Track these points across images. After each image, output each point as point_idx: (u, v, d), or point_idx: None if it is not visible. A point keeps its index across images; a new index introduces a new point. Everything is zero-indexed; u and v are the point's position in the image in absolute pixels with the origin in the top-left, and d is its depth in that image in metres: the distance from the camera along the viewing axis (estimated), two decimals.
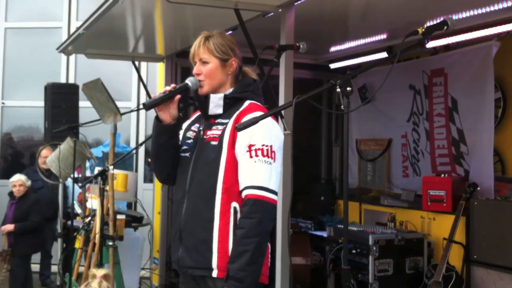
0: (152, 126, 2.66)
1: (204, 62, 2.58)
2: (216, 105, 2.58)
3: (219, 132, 2.53)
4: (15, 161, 9.18)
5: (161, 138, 2.62)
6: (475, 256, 4.70)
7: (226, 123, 2.53)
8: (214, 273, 2.46)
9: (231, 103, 2.58)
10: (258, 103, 2.60)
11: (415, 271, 5.04)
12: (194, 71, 2.61)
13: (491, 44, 4.97)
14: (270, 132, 2.50)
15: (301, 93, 2.28)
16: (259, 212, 2.40)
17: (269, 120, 2.49)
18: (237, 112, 2.54)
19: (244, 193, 2.45)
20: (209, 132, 2.57)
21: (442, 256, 4.78)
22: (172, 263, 2.68)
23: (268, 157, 2.44)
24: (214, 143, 2.52)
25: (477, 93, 5.14)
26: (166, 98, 2.53)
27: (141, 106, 6.26)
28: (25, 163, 8.96)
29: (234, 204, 2.47)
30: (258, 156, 2.44)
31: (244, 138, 2.46)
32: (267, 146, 2.45)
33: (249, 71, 2.72)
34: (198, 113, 2.75)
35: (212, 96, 2.58)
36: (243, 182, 2.46)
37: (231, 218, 2.47)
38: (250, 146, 2.45)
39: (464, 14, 4.59)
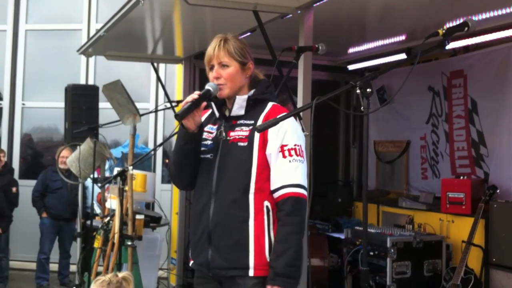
0: (178, 136, 2.66)
1: (224, 66, 2.59)
2: (239, 106, 2.61)
3: (245, 133, 2.56)
4: (34, 161, 9.29)
5: (189, 146, 2.63)
6: (494, 259, 4.66)
7: (252, 124, 2.56)
8: (251, 272, 2.50)
9: (253, 105, 2.61)
10: (280, 105, 2.65)
11: (433, 274, 5.01)
12: (214, 74, 2.60)
13: (511, 46, 4.93)
14: (299, 132, 2.59)
15: (319, 94, 2.28)
16: (302, 210, 2.48)
17: (294, 120, 2.57)
18: (264, 114, 2.58)
19: (283, 191, 2.49)
20: (232, 133, 2.59)
21: (460, 259, 4.75)
22: (196, 264, 2.68)
23: (301, 156, 2.53)
24: (242, 144, 2.55)
25: (497, 95, 5.11)
26: (194, 107, 2.53)
27: (160, 107, 6.31)
28: (44, 163, 9.05)
29: (266, 203, 2.53)
30: (292, 156, 2.51)
31: (276, 139, 2.52)
32: (298, 145, 2.54)
33: (257, 72, 2.74)
34: (206, 114, 2.76)
35: (237, 97, 2.61)
36: (279, 181, 2.51)
37: (265, 217, 2.52)
38: (282, 146, 2.51)
39: (484, 16, 4.56)
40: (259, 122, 2.55)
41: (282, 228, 2.47)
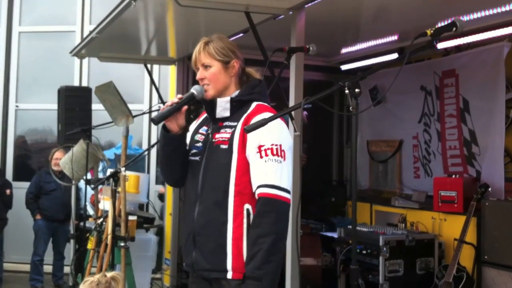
0: (159, 136, 2.68)
1: (207, 67, 2.61)
2: (223, 108, 2.60)
3: (228, 136, 2.55)
4: (28, 163, 9.27)
5: (169, 148, 2.66)
6: (486, 257, 4.68)
7: (235, 126, 2.56)
8: (229, 275, 2.49)
9: (238, 106, 2.60)
10: (265, 104, 2.63)
11: (426, 272, 5.03)
12: (198, 76, 2.63)
13: (503, 45, 4.97)
14: (279, 132, 2.53)
15: (312, 95, 2.30)
16: (272, 211, 2.43)
17: (278, 120, 2.50)
18: (245, 115, 2.56)
19: (257, 192, 2.47)
20: (217, 135, 2.59)
21: (453, 256, 4.77)
22: (185, 265, 2.70)
23: (278, 155, 2.47)
24: (224, 146, 2.54)
25: (489, 94, 5.13)
26: (173, 111, 2.55)
27: (154, 108, 6.31)
28: (38, 165, 9.03)
29: (247, 206, 2.51)
30: (268, 156, 2.46)
31: (254, 139, 2.49)
32: (276, 145, 2.48)
33: (253, 71, 2.74)
34: (205, 115, 2.78)
35: (219, 100, 2.61)
36: (255, 182, 2.49)
37: (244, 220, 2.50)
38: (260, 146, 2.48)
39: (475, 15, 4.59)
40: (240, 123, 2.54)
41: (251, 231, 2.45)
